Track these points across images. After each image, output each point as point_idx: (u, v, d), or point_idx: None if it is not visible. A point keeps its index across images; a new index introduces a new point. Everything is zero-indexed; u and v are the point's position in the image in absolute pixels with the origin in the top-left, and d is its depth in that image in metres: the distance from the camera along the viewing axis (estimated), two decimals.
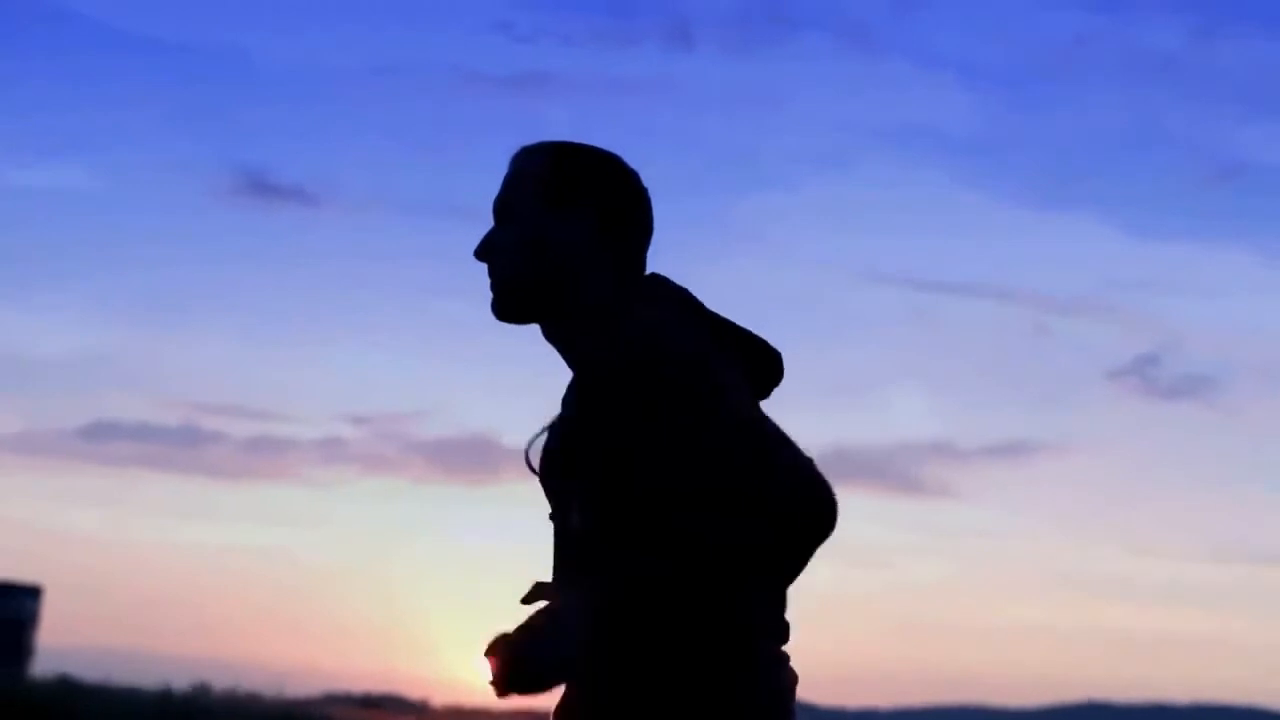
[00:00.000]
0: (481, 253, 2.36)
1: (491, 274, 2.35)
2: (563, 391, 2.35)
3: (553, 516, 2.30)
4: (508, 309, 2.34)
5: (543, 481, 2.32)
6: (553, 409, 2.36)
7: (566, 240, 2.30)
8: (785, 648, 2.22)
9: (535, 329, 2.37)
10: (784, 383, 2.31)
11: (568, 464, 2.25)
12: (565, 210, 2.31)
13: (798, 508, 2.04)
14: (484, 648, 2.15)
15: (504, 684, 2.14)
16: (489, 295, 2.36)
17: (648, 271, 2.36)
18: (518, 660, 2.11)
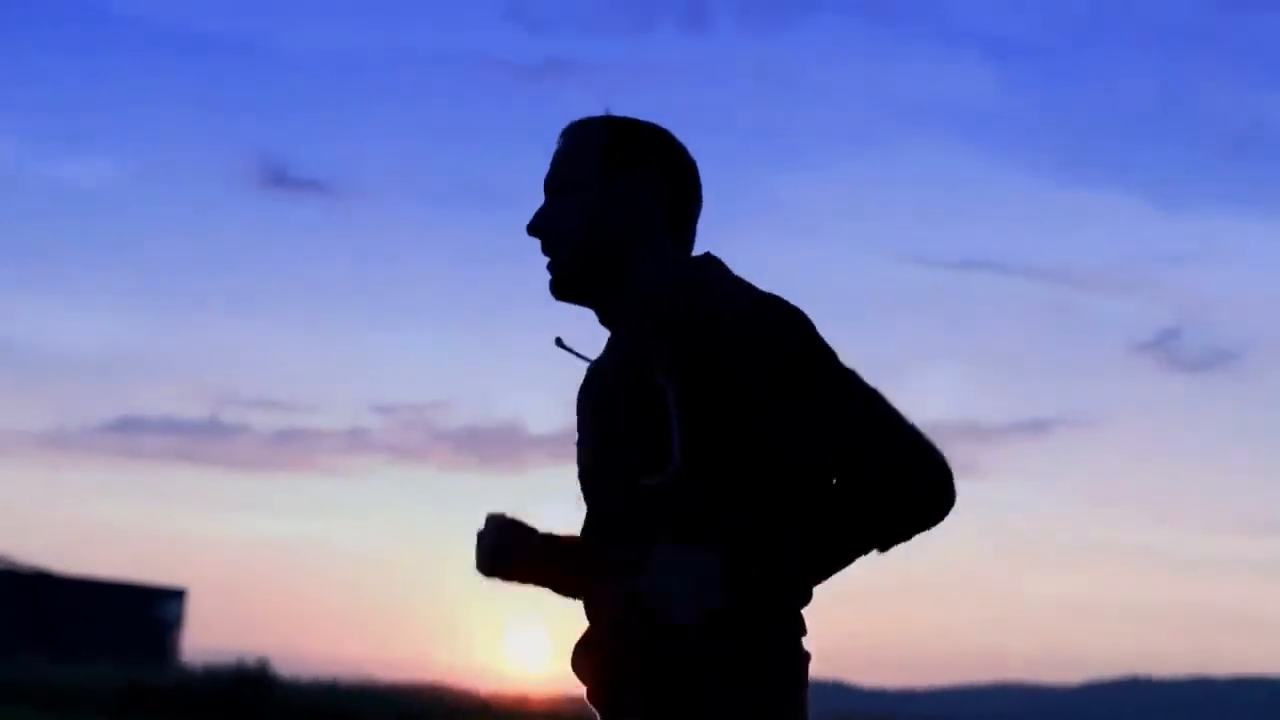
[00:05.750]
0: (535, 228, 2.30)
1: (548, 250, 2.29)
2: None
3: (585, 457, 2.26)
4: (567, 287, 2.29)
5: (586, 417, 2.27)
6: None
7: (627, 213, 2.26)
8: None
9: (580, 314, 2.31)
10: None
11: (638, 404, 2.15)
12: (624, 183, 2.27)
13: (931, 481, 2.08)
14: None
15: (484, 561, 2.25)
16: (544, 275, 2.30)
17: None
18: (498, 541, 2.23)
